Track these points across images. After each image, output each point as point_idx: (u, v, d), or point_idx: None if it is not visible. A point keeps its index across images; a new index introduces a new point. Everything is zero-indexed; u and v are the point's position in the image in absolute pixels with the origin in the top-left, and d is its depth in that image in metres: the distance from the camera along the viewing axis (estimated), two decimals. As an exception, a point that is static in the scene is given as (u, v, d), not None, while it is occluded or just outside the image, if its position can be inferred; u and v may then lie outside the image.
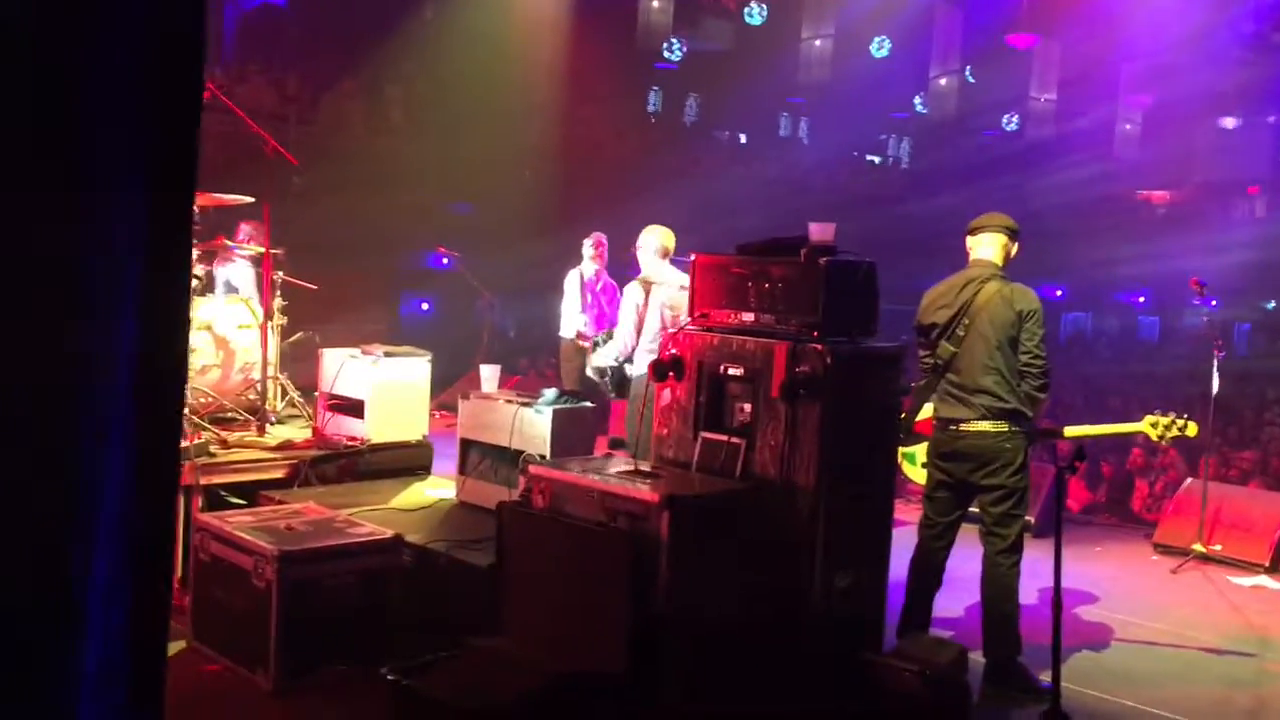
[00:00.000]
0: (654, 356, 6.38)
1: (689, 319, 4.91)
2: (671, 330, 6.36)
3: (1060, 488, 4.28)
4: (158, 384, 2.05)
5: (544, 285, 15.14)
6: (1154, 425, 5.50)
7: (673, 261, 6.90)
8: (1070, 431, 5.86)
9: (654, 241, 6.95)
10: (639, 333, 6.74)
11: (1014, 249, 5.32)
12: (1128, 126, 23.84)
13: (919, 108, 23.75)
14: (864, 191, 21.04)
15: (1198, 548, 7.58)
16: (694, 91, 21.21)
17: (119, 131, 1.93)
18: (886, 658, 4.55)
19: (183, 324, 2.23)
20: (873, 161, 24.99)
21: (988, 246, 5.30)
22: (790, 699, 4.30)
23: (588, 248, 8.64)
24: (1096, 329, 24.60)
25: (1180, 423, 5.46)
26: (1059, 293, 23.21)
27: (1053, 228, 21.20)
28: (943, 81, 22.73)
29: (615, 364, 6.77)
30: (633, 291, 6.82)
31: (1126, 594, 6.88)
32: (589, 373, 7.15)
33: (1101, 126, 23.41)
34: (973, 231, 5.36)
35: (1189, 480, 8.38)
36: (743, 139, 22.21)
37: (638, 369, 6.57)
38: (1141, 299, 23.95)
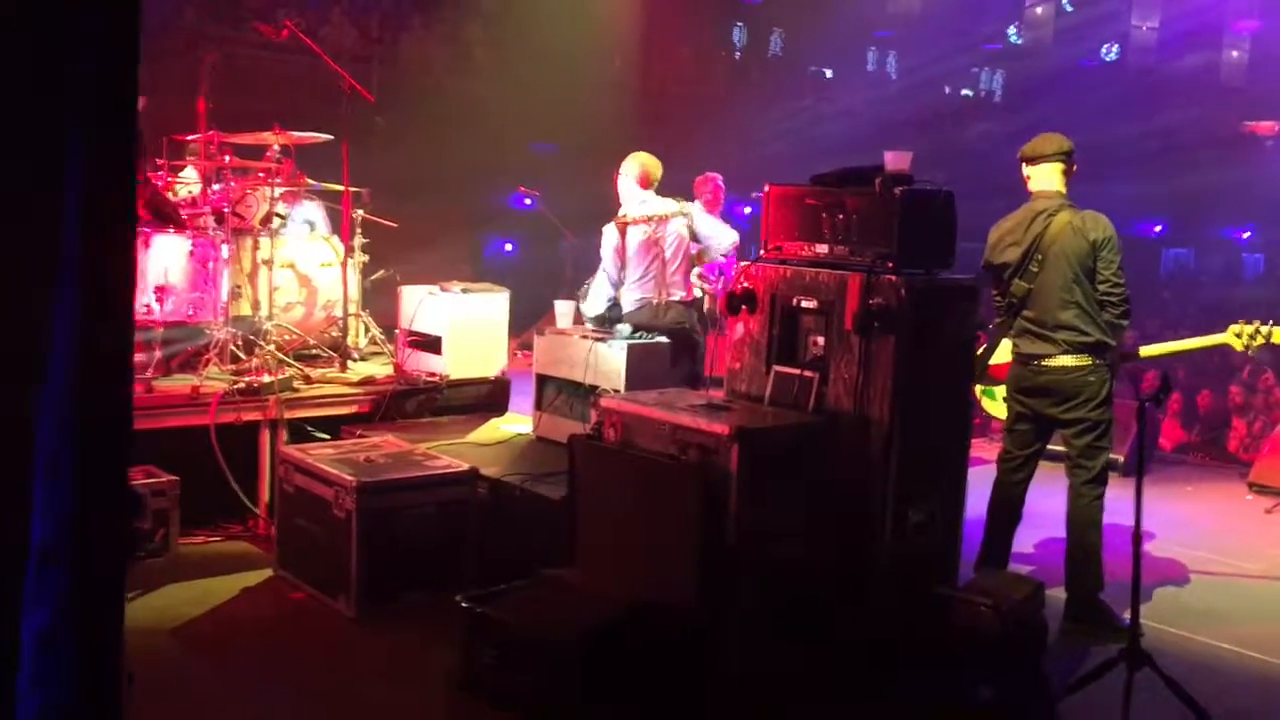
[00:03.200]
0: (642, 296, 6.22)
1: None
2: (675, 264, 6.21)
3: (1142, 419, 4.16)
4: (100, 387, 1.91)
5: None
6: (1238, 335, 5.31)
7: (727, 197, 6.46)
8: (1146, 351, 5.67)
9: (634, 169, 6.38)
10: (623, 275, 6.26)
11: (1073, 170, 5.17)
12: (1234, 54, 22.85)
13: (1013, 38, 23.03)
14: (954, 126, 20.52)
15: (1295, 487, 7.35)
16: (778, 26, 20.81)
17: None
18: (960, 592, 4.50)
19: (127, 311, 2.05)
20: (965, 95, 24.33)
21: (1048, 176, 5.14)
22: (860, 633, 4.29)
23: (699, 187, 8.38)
24: (1199, 265, 23.80)
25: (1266, 329, 5.26)
26: (1159, 228, 22.50)
27: (1154, 161, 20.50)
28: (1039, 10, 21.99)
29: (606, 310, 6.36)
30: (608, 235, 6.30)
31: (1216, 533, 6.71)
32: (587, 324, 6.66)
33: (1207, 55, 22.47)
34: (1030, 160, 5.19)
35: (1288, 418, 8.11)
36: (828, 74, 21.75)
37: (631, 304, 6.23)
38: (1246, 234, 23.07)
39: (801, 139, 15.58)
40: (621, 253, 6.25)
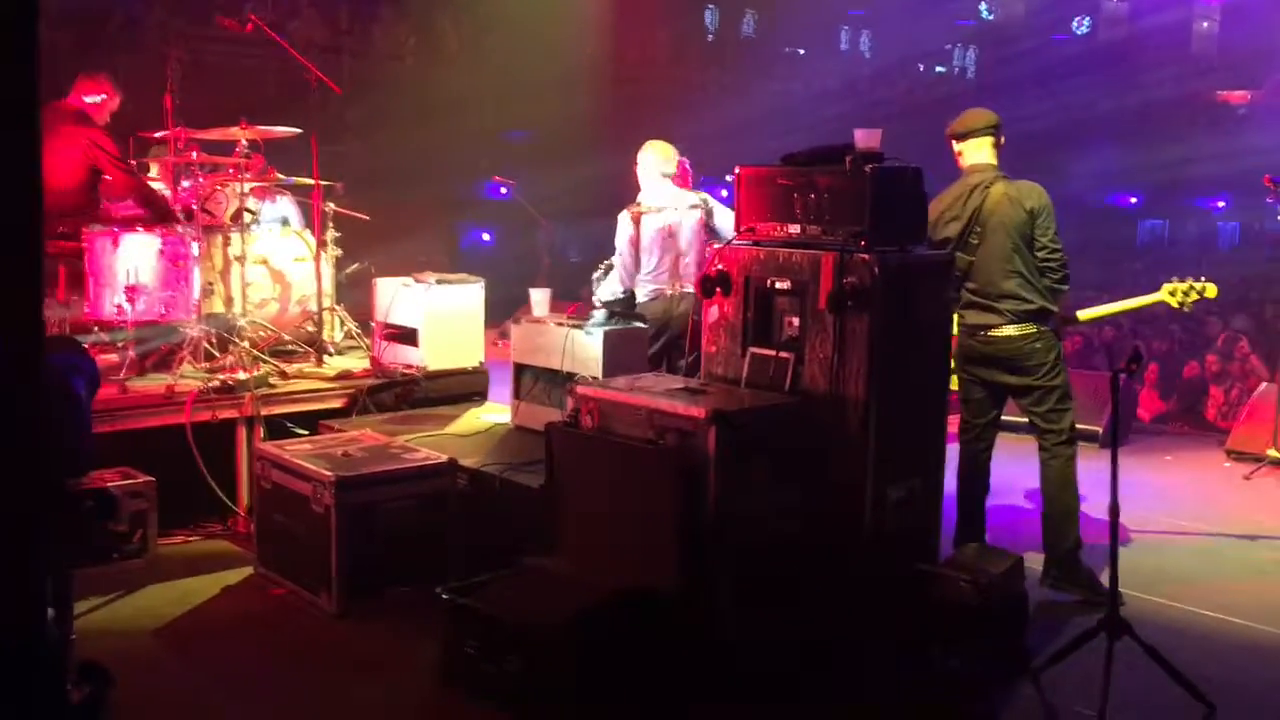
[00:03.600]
0: (656, 287, 6.26)
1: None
2: (690, 255, 6.22)
3: (1115, 390, 4.18)
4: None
5: (603, 208, 15.11)
6: (1172, 293, 5.46)
7: (704, 181, 6.50)
8: (1084, 315, 5.82)
9: (649, 157, 6.41)
10: (637, 266, 6.32)
11: (1002, 143, 5.31)
12: (1204, 25, 22.94)
13: (985, 14, 23.05)
14: (928, 103, 20.52)
15: (1272, 453, 7.39)
16: (750, 8, 20.77)
17: None
18: (941, 568, 4.52)
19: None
20: (939, 72, 24.35)
21: (979, 150, 5.27)
22: (844, 612, 4.30)
23: None
24: (1174, 235, 23.91)
25: (1200, 285, 5.40)
26: (1134, 199, 22.59)
27: (1127, 133, 20.58)
28: (1009, -15, 22.03)
29: (620, 295, 6.38)
30: (623, 224, 6.33)
31: (1195, 501, 6.76)
32: (596, 305, 6.69)
33: (1177, 26, 22.54)
34: (961, 137, 5.31)
35: (1264, 385, 8.16)
36: (801, 53, 21.73)
37: (644, 295, 6.29)
38: (1221, 204, 23.19)
39: (778, 120, 15.56)
40: (636, 243, 6.30)
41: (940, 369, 4.82)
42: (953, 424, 8.05)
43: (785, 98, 18.20)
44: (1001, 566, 4.51)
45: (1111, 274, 15.04)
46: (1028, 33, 22.09)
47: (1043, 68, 21.30)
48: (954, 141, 5.34)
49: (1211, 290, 5.44)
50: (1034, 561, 5.09)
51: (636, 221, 6.29)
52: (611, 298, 6.07)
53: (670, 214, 6.28)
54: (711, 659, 4.07)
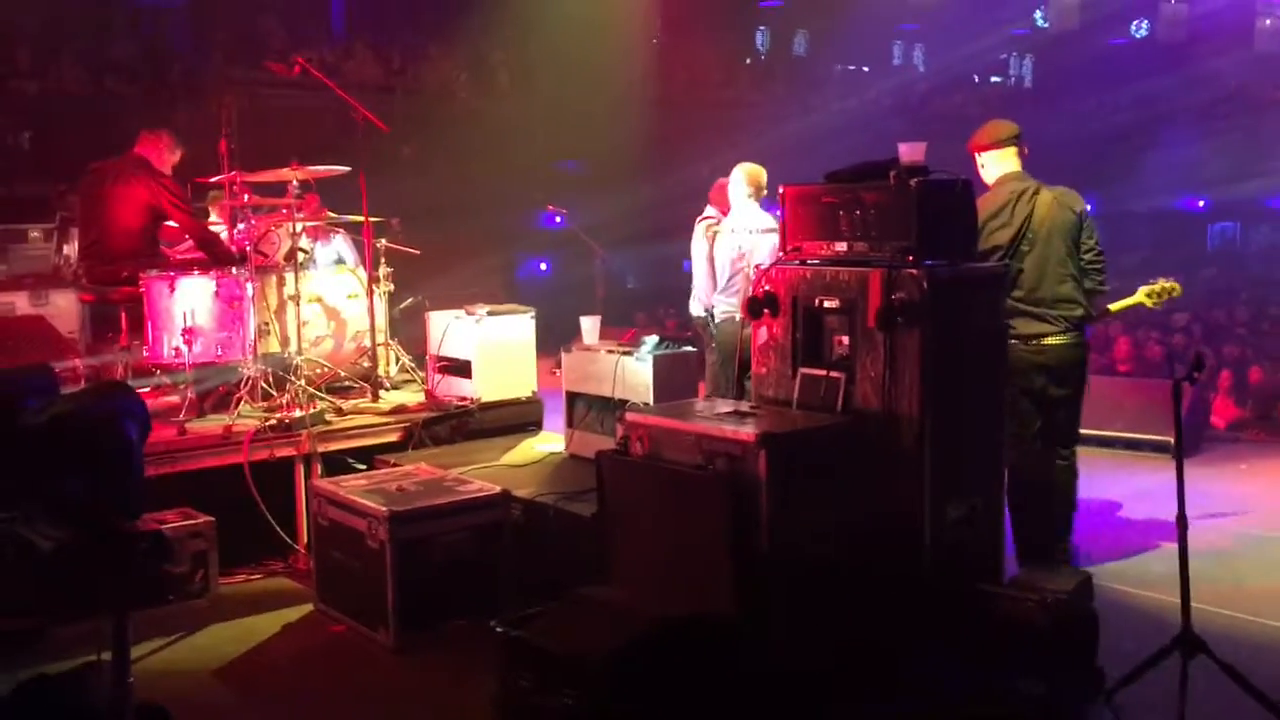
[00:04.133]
0: (728, 310, 6.29)
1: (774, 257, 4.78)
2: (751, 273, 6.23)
3: (1178, 399, 4.04)
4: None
5: (657, 233, 15.12)
6: (1149, 295, 5.57)
7: (764, 201, 6.63)
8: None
9: (739, 180, 6.66)
10: (714, 283, 6.52)
11: (1025, 153, 5.44)
12: (1268, 22, 22.41)
13: (1040, 21, 22.77)
14: (984, 114, 20.28)
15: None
16: (801, 27, 20.73)
17: None
18: (1005, 588, 4.40)
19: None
20: (994, 82, 24.08)
21: (1006, 160, 5.37)
22: (903, 632, 4.19)
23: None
24: (1246, 238, 23.32)
25: (1169, 285, 5.54)
26: (1201, 203, 22.08)
27: (1191, 135, 20.15)
28: (1063, -9, 21.75)
29: (703, 314, 6.57)
30: (698, 239, 6.54)
31: (1271, 510, 6.52)
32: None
33: (1239, 24, 22.06)
34: (988, 147, 5.40)
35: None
36: (853, 70, 21.63)
37: (719, 315, 6.39)
38: (1294, 203, 22.57)
39: (831, 138, 15.46)
40: (711, 261, 6.51)
41: (998, 383, 4.70)
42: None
43: (839, 116, 18.09)
44: (1069, 584, 4.37)
45: (1189, 281, 14.70)
46: (1084, 38, 21.75)
47: (1101, 72, 20.97)
48: (978, 153, 5.42)
49: (1177, 289, 5.59)
50: (1104, 577, 4.94)
51: (711, 240, 6.44)
52: (698, 315, 6.16)
53: (744, 237, 6.41)
54: (768, 686, 3.99)
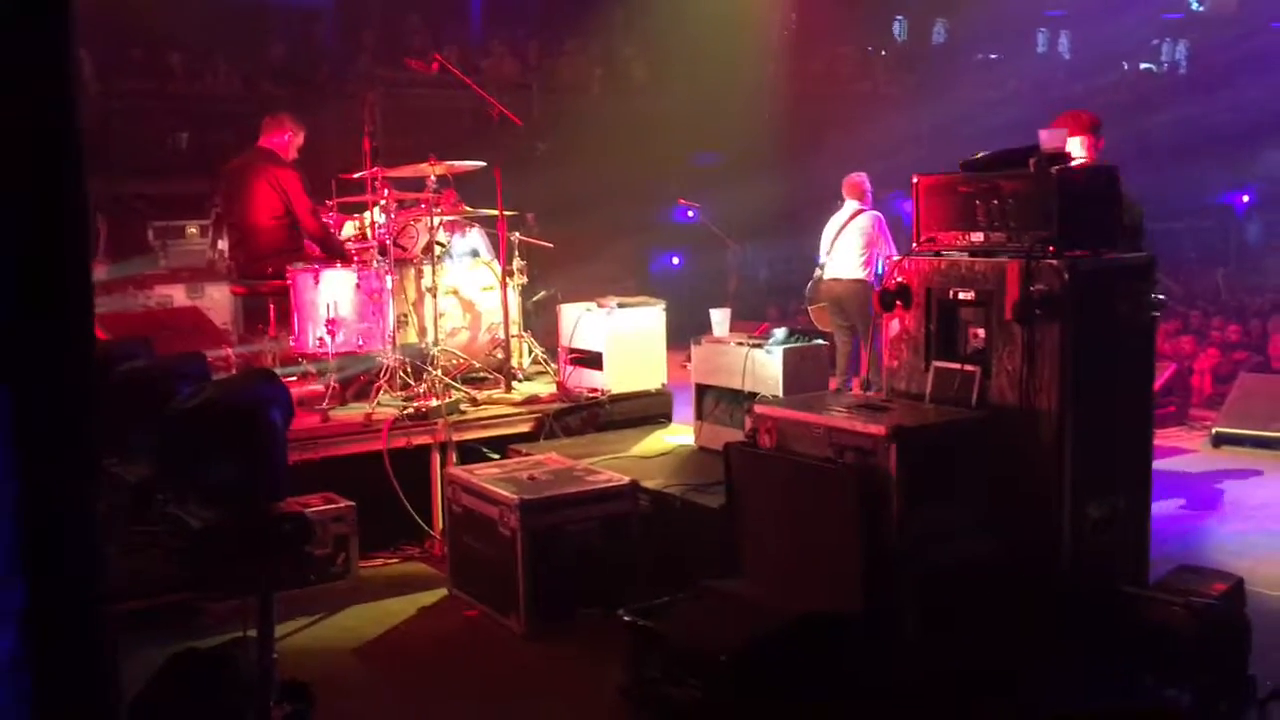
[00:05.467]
0: None
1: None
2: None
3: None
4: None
5: (791, 226, 14.99)
6: None
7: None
8: None
9: None
10: None
11: None
12: None
13: (1194, 5, 21.78)
14: (1134, 102, 19.53)
15: None
16: (941, 16, 20.27)
17: None
18: (1150, 590, 4.23)
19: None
20: (1148, 70, 23.12)
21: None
22: (1043, 635, 4.07)
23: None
24: None
25: None
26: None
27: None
28: (1221, -27, 20.74)
29: None
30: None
31: None
32: None
33: None
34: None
35: None
36: (995, 59, 21.04)
37: None
38: None
39: (970, 127, 15.11)
40: None
41: (1144, 379, 4.54)
42: (1191, 439, 7.69)
43: (979, 106, 17.64)
44: (1220, 589, 4.19)
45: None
46: (1243, 21, 20.71)
47: (1263, 57, 19.94)
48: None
49: None
50: (1257, 583, 4.71)
51: None
52: None
53: None
54: (896, 688, 3.92)
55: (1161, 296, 4.72)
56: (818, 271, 8.71)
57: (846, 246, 8.51)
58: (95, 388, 1.82)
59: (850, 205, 8.56)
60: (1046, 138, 4.33)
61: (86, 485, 1.80)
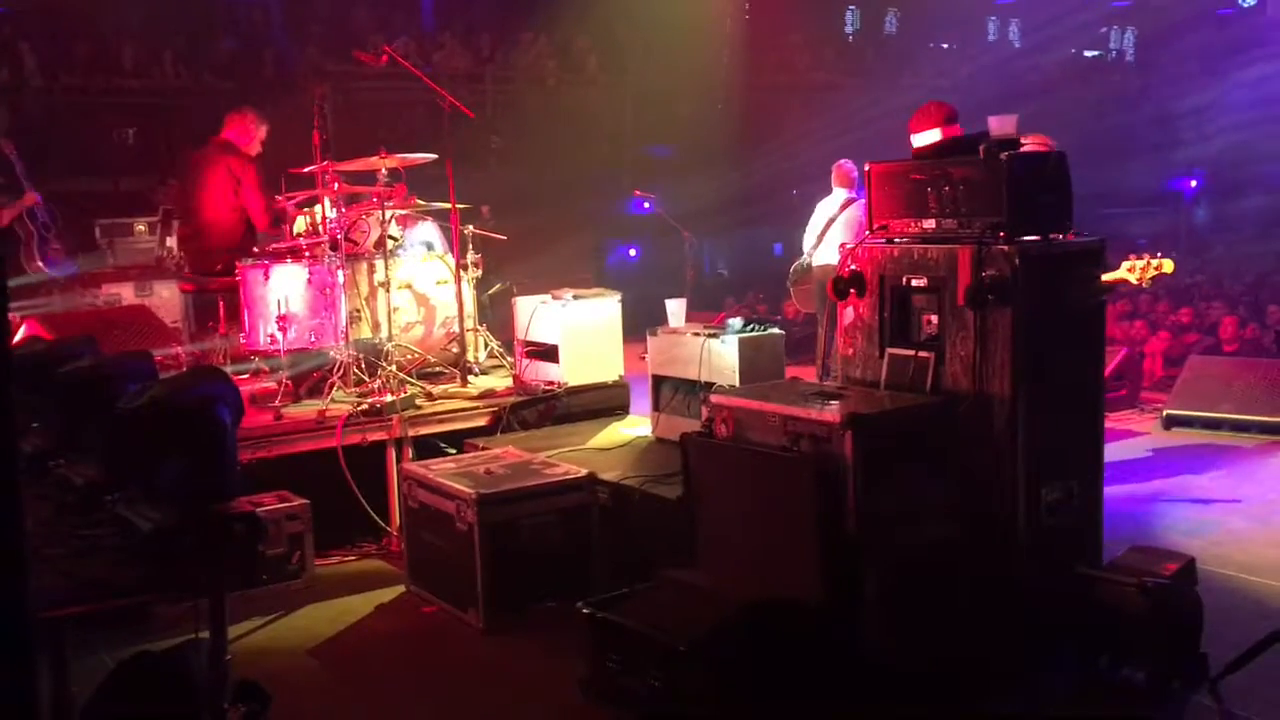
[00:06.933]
0: None
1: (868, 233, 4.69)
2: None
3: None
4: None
5: (746, 219, 15.01)
6: (1131, 270, 5.49)
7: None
8: None
9: None
10: None
11: None
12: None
13: (1142, -11, 22.02)
14: (1083, 91, 19.76)
15: None
16: (892, 6, 20.39)
17: None
18: (1104, 571, 4.28)
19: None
20: (1097, 56, 23.37)
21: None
22: (998, 616, 4.10)
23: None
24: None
25: (1156, 262, 5.45)
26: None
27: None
28: (1166, -40, 20.98)
29: None
30: None
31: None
32: None
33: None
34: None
35: None
36: (946, 48, 21.18)
37: None
38: None
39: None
40: None
41: (1094, 363, 4.58)
42: (1142, 421, 7.76)
43: (932, 95, 17.76)
44: (1171, 569, 4.25)
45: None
46: (1189, 9, 20.98)
47: (1207, 47, 20.22)
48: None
49: (1168, 265, 5.51)
50: (1208, 562, 4.77)
51: None
52: None
53: None
54: (857, 671, 3.93)
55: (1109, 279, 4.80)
56: (805, 257, 8.65)
57: (839, 236, 8.45)
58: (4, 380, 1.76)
59: (840, 194, 8.51)
60: (997, 124, 4.35)
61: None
